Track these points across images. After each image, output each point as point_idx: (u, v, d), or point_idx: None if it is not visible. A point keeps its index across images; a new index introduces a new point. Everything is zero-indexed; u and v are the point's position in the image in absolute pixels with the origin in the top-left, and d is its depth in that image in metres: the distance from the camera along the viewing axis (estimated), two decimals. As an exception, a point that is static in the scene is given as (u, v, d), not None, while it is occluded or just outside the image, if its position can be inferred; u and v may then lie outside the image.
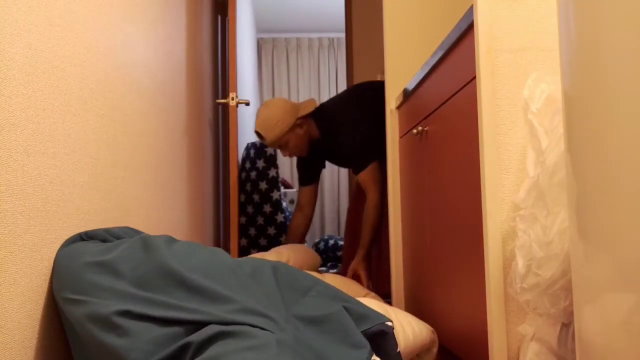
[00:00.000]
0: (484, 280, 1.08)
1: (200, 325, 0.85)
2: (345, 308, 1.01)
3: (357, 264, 2.33)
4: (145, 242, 1.01)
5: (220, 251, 1.10)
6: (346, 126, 2.39)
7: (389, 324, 1.04)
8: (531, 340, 0.98)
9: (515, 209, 1.04)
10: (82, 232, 1.04)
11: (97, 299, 0.88)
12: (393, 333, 1.04)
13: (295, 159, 5.88)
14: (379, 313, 1.05)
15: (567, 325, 0.92)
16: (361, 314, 1.02)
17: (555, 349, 0.93)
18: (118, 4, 1.30)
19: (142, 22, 1.51)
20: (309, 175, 2.67)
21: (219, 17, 3.16)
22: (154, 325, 0.85)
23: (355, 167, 2.40)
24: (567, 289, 0.87)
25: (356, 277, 2.32)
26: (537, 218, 0.93)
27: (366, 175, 2.36)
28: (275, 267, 1.09)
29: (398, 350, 1.04)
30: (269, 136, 2.42)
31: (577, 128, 0.65)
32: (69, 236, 1.00)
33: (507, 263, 1.04)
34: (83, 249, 0.97)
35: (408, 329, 1.18)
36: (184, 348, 0.81)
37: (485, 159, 1.06)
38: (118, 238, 1.08)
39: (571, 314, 0.88)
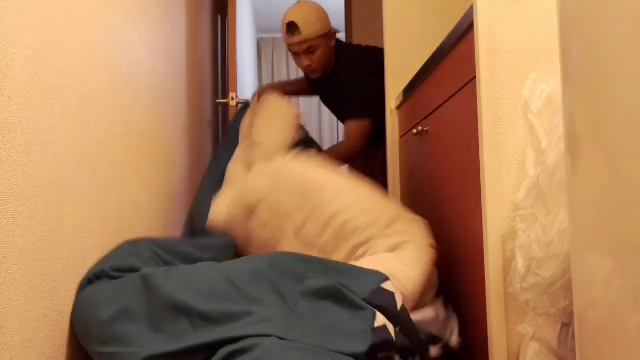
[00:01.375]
0: (484, 280, 1.08)
1: (213, 346, 0.93)
2: (342, 284, 1.08)
3: None
4: (144, 280, 1.08)
5: (214, 265, 1.18)
6: (361, 71, 2.23)
7: (385, 285, 1.09)
8: (531, 340, 0.98)
9: (515, 209, 1.04)
10: (90, 274, 1.09)
11: (123, 349, 0.96)
12: (391, 293, 1.09)
13: None
14: (373, 275, 1.12)
15: (567, 325, 0.92)
16: (357, 284, 1.09)
17: (555, 349, 0.93)
18: (118, 4, 1.30)
19: (142, 22, 1.51)
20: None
21: (219, 17, 3.16)
22: None
23: (349, 111, 2.25)
24: (567, 289, 0.87)
25: None
26: (537, 218, 0.93)
27: (355, 126, 2.23)
28: (271, 261, 1.16)
29: (400, 306, 1.08)
30: (307, 31, 2.13)
31: (577, 128, 0.65)
32: (69, 236, 1.00)
33: (507, 263, 1.04)
34: (96, 300, 1.04)
35: (404, 281, 1.20)
36: None
37: (485, 159, 1.06)
38: (120, 270, 1.14)
39: (571, 314, 0.88)
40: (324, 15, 2.23)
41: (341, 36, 6.65)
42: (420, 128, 1.57)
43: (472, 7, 1.11)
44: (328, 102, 2.49)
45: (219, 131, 3.14)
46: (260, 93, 2.36)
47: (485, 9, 1.08)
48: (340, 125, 2.65)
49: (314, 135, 6.05)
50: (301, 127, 2.26)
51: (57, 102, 0.96)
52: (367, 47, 2.42)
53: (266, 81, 6.10)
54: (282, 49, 6.14)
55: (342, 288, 1.07)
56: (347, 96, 2.26)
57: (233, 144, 2.10)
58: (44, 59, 0.91)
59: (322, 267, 1.17)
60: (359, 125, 2.23)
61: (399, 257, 1.28)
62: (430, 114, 1.50)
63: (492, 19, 1.08)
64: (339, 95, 2.32)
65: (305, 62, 2.22)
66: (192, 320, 0.99)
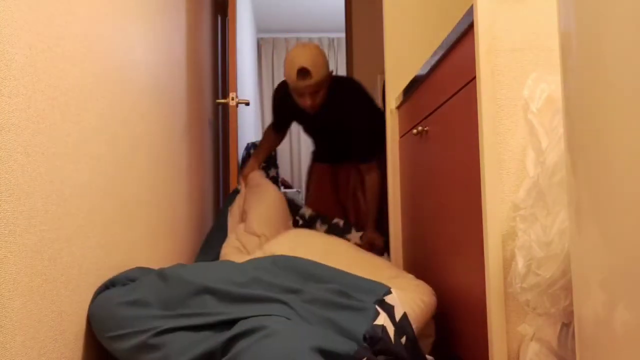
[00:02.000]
0: (484, 280, 1.08)
1: (224, 324, 0.98)
2: (352, 286, 1.14)
3: (372, 234, 2.43)
4: (161, 274, 1.16)
5: (227, 261, 1.26)
6: (369, 106, 2.44)
7: (387, 299, 1.13)
8: (531, 340, 0.98)
9: (515, 209, 1.04)
10: (107, 281, 1.16)
11: (135, 329, 1.01)
12: (391, 305, 1.13)
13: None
14: (377, 286, 1.16)
15: (567, 325, 0.92)
16: (366, 290, 1.15)
17: (555, 349, 0.93)
18: (118, 4, 1.30)
19: (142, 22, 1.51)
20: (284, 124, 2.70)
21: (219, 17, 3.16)
22: (185, 332, 0.98)
23: (363, 154, 2.46)
24: (567, 289, 0.87)
25: (373, 247, 2.39)
26: (537, 218, 0.93)
27: (371, 165, 2.46)
28: (275, 260, 1.24)
29: (403, 312, 1.13)
30: (317, 75, 2.27)
31: (577, 128, 0.65)
32: (68, 236, 1.00)
33: (507, 263, 1.04)
34: (111, 295, 1.11)
35: (417, 309, 1.26)
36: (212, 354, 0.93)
37: (485, 159, 1.06)
38: (134, 280, 1.20)
39: (571, 314, 0.88)
40: (326, 58, 2.37)
41: (341, 36, 6.63)
42: (420, 128, 1.57)
43: (472, 7, 1.11)
44: (316, 130, 2.63)
45: (219, 131, 3.14)
46: (245, 176, 2.53)
47: (485, 9, 1.08)
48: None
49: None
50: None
51: (57, 102, 0.96)
52: (351, 78, 2.60)
53: (266, 81, 6.10)
54: (282, 49, 6.14)
55: (347, 290, 1.12)
56: (357, 133, 2.45)
57: (224, 228, 2.30)
58: (44, 59, 0.91)
59: (326, 271, 1.22)
60: (374, 164, 2.46)
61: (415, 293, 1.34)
62: (430, 114, 1.50)
63: (492, 19, 1.08)
64: (334, 125, 2.49)
65: (309, 101, 2.34)
66: (204, 297, 1.05)
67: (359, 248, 1.79)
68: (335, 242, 1.80)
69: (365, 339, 0.98)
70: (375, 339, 1.00)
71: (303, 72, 2.26)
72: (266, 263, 1.22)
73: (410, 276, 1.51)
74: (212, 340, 0.93)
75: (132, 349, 0.99)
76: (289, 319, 0.97)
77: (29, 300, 0.85)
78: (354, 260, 1.60)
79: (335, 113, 2.43)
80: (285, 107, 2.57)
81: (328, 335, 0.95)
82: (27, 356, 0.85)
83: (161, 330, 0.98)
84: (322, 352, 0.88)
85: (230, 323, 0.97)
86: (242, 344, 0.89)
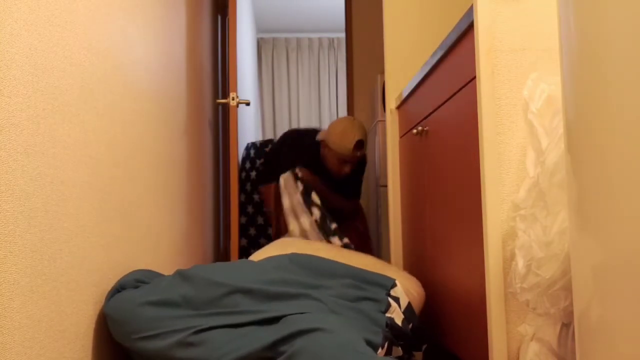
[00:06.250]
0: (484, 280, 1.08)
1: (264, 322, 1.01)
2: (364, 280, 1.23)
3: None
4: (182, 275, 1.17)
5: (245, 260, 1.29)
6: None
7: (393, 291, 1.22)
8: (531, 340, 0.98)
9: (515, 209, 1.04)
10: (116, 284, 1.16)
11: (169, 328, 1.03)
12: (397, 298, 1.22)
13: None
14: (384, 280, 1.25)
15: (567, 325, 0.92)
16: (377, 283, 1.24)
17: (555, 349, 0.93)
18: (118, 3, 1.30)
19: (142, 22, 1.51)
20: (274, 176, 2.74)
21: (219, 17, 3.16)
22: (224, 330, 1.01)
23: (356, 193, 2.74)
24: (567, 289, 0.87)
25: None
26: (537, 218, 0.93)
27: (355, 202, 2.75)
28: (291, 258, 1.28)
29: (408, 301, 1.24)
30: (365, 147, 2.57)
31: (577, 128, 0.65)
32: (68, 236, 1.00)
33: (507, 263, 1.04)
34: (128, 297, 1.11)
35: (412, 299, 1.35)
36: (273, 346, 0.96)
37: (485, 159, 1.06)
38: (143, 282, 1.21)
39: (571, 314, 0.88)
40: None
41: (341, 36, 6.61)
42: (420, 128, 1.57)
43: (472, 7, 1.11)
44: (329, 183, 2.72)
45: (219, 131, 3.14)
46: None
47: (485, 9, 1.08)
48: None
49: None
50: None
51: (57, 102, 0.96)
52: None
53: (266, 81, 6.10)
54: (282, 49, 6.14)
55: (360, 284, 1.20)
56: (354, 185, 2.74)
57: None
58: (44, 59, 0.91)
59: (338, 267, 1.28)
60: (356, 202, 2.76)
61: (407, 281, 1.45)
62: (430, 114, 1.50)
63: (492, 19, 1.08)
64: (343, 181, 2.68)
65: (348, 169, 2.55)
66: (236, 297, 1.08)
67: (340, 248, 1.86)
68: (318, 245, 1.88)
69: (387, 325, 1.08)
70: (393, 327, 1.10)
71: (360, 144, 2.49)
72: (284, 261, 1.26)
73: (396, 268, 1.58)
74: (256, 339, 0.97)
75: (167, 348, 1.01)
76: (323, 313, 1.03)
77: (28, 300, 0.85)
78: (343, 259, 1.65)
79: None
80: (288, 156, 2.65)
81: (363, 325, 1.03)
82: (26, 356, 0.85)
83: (201, 328, 1.01)
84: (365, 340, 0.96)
85: (270, 320, 1.01)
86: (300, 343, 0.92)
